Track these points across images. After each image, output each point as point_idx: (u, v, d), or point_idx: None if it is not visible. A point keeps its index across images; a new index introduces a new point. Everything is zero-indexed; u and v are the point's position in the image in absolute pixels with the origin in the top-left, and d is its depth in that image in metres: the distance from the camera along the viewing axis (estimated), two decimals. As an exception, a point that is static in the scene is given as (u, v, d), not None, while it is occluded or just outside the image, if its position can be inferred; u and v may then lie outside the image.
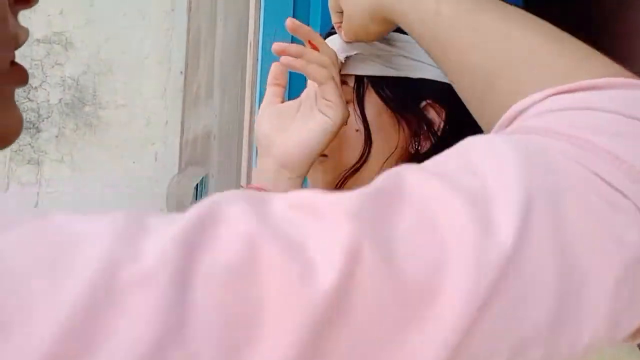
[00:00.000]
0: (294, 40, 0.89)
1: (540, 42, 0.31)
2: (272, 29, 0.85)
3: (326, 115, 0.52)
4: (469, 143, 0.25)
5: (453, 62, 0.37)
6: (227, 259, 0.19)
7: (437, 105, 0.59)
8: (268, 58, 0.86)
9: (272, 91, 0.57)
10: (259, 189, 0.53)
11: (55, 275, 0.18)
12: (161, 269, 0.18)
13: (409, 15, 0.41)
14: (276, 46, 0.52)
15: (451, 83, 0.38)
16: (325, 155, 0.59)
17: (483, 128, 0.36)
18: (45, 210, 0.21)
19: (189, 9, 2.22)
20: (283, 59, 0.52)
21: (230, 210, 0.20)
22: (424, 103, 0.59)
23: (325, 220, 0.20)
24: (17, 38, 0.30)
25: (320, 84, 0.52)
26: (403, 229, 0.20)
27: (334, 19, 0.55)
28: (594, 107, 0.25)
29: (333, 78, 0.51)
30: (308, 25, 0.88)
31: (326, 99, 0.51)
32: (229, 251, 0.19)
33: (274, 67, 0.57)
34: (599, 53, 0.30)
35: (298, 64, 0.52)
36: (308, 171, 0.54)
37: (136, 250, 0.18)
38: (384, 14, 0.45)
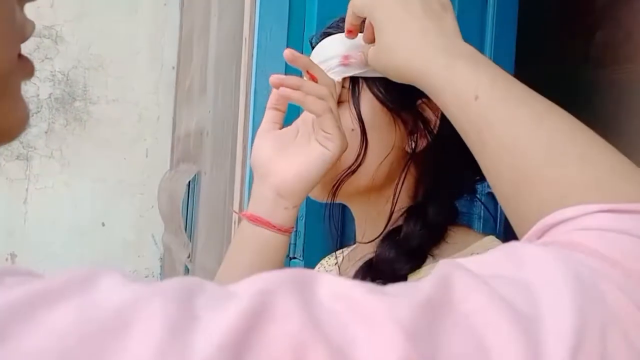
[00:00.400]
0: (289, 40, 0.88)
1: (578, 151, 0.31)
2: (268, 25, 0.84)
3: (325, 148, 0.51)
4: (519, 251, 0.25)
5: (489, 155, 0.36)
6: None
7: (433, 103, 0.59)
8: (263, 54, 0.86)
9: (271, 116, 0.56)
10: (254, 217, 0.52)
11: None
12: None
13: (444, 94, 0.40)
14: (274, 79, 0.52)
15: (488, 181, 0.38)
16: None
17: (514, 223, 0.35)
18: (91, 269, 0.21)
19: (182, 4, 2.20)
20: (281, 90, 0.52)
21: (279, 304, 0.20)
22: (419, 102, 0.59)
23: (375, 330, 0.20)
24: (24, 31, 0.30)
25: (318, 116, 0.51)
26: (452, 352, 0.20)
27: (351, 20, 0.52)
28: (637, 234, 0.26)
29: (331, 110, 0.51)
30: (304, 21, 0.87)
31: (325, 131, 0.51)
32: (276, 356, 0.19)
33: (275, 92, 0.56)
34: (632, 164, 0.31)
35: (296, 96, 0.51)
36: (304, 199, 0.54)
37: (184, 350, 0.18)
38: (415, 83, 0.44)
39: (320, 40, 0.60)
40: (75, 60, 2.13)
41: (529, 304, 0.22)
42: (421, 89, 0.44)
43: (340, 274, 0.66)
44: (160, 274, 2.22)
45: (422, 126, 0.58)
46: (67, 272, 0.20)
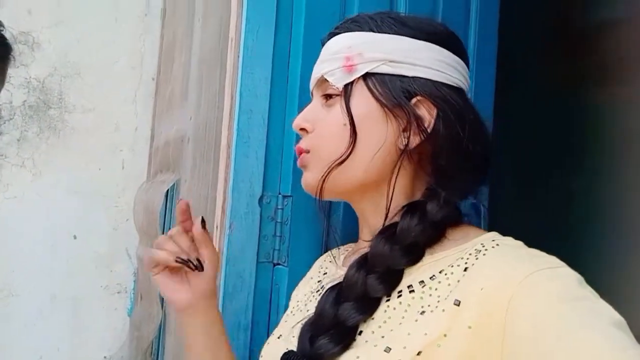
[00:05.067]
0: (276, 39, 0.87)
1: None
2: (255, 26, 0.83)
3: None
4: None
5: None
6: None
7: (429, 102, 0.59)
8: (250, 55, 0.84)
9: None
10: None
11: None
12: None
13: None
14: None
15: None
16: (307, 152, 0.59)
17: None
18: None
19: (164, 15, 2.18)
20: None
21: None
22: (414, 100, 0.59)
23: None
24: None
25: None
26: None
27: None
28: None
29: None
30: (291, 22, 0.86)
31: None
32: None
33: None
34: None
35: None
36: None
37: None
38: None
39: (328, 40, 0.62)
40: (52, 67, 2.09)
41: None
42: None
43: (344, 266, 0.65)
44: (133, 290, 2.15)
45: (415, 124, 0.58)
46: None
